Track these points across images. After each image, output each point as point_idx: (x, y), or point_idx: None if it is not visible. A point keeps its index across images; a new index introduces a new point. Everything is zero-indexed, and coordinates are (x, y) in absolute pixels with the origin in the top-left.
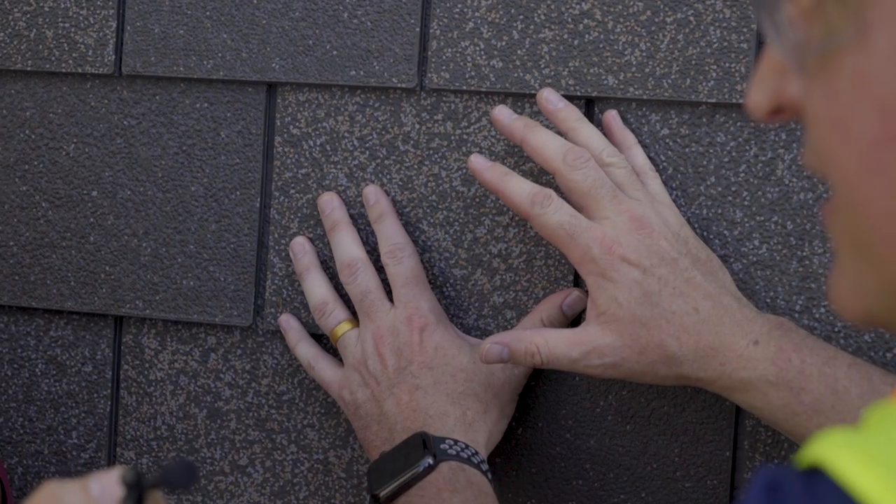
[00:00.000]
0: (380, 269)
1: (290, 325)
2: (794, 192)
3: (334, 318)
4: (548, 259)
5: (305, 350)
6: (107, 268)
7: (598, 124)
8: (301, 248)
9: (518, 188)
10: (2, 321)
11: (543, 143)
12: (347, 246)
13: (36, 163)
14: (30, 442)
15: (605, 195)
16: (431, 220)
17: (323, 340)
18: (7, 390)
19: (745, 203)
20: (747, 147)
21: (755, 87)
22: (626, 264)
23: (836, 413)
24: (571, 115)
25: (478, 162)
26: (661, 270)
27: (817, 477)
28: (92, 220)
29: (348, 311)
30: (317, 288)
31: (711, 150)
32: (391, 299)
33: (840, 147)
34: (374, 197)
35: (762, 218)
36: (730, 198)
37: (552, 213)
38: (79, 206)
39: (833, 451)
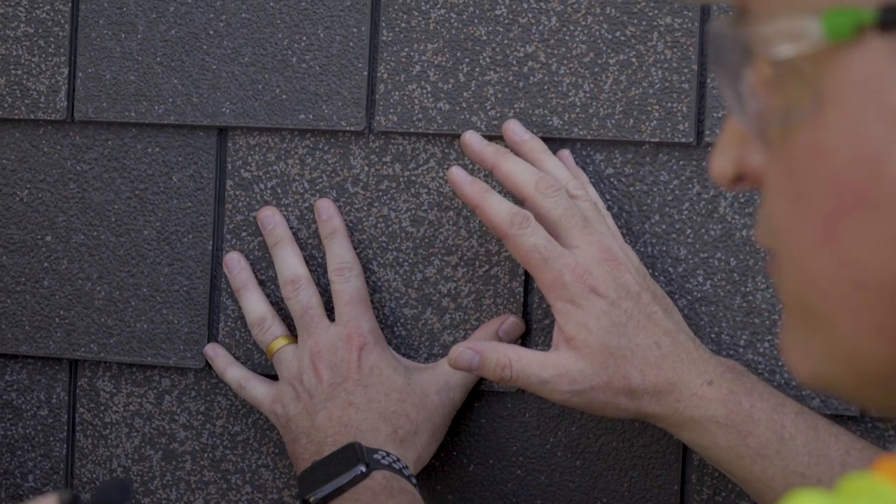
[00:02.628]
0: (322, 288)
1: (216, 352)
2: (736, 229)
3: (272, 333)
4: (496, 298)
5: (235, 372)
6: (61, 312)
7: None
8: (237, 264)
9: (497, 207)
10: None
11: (515, 169)
12: (290, 262)
13: None
14: None
15: (576, 224)
16: (381, 261)
17: (250, 362)
18: None
19: (689, 240)
20: (690, 185)
21: (718, 154)
22: (594, 295)
23: (780, 458)
24: (537, 147)
25: (458, 175)
26: (626, 303)
27: None
28: (46, 264)
29: (286, 327)
30: (255, 304)
31: (655, 189)
32: (332, 319)
33: (794, 219)
34: (326, 213)
35: (706, 255)
36: (674, 235)
37: (529, 236)
38: (33, 251)
39: None
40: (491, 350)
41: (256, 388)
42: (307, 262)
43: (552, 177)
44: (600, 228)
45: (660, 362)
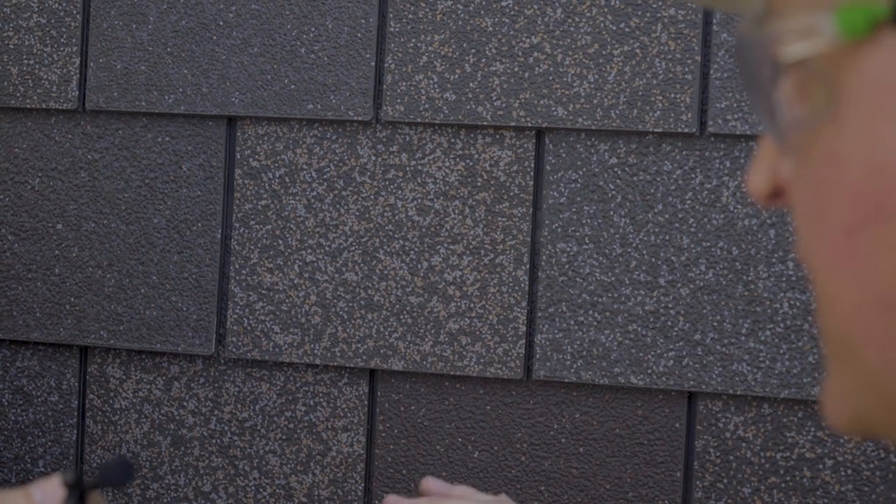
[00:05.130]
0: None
1: None
2: (738, 219)
3: None
4: (501, 286)
5: None
6: (72, 299)
7: (549, 154)
8: None
9: None
10: None
11: None
12: None
13: (1, 196)
14: None
15: None
16: (388, 249)
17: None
18: None
19: (692, 230)
20: (693, 175)
21: (754, 170)
22: None
23: None
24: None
25: None
26: None
27: None
28: (57, 252)
29: None
30: None
31: (658, 179)
32: None
33: (815, 235)
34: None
35: (708, 244)
36: (677, 224)
37: None
38: (44, 239)
39: None
40: None
41: None
42: (315, 251)
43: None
44: None
45: None
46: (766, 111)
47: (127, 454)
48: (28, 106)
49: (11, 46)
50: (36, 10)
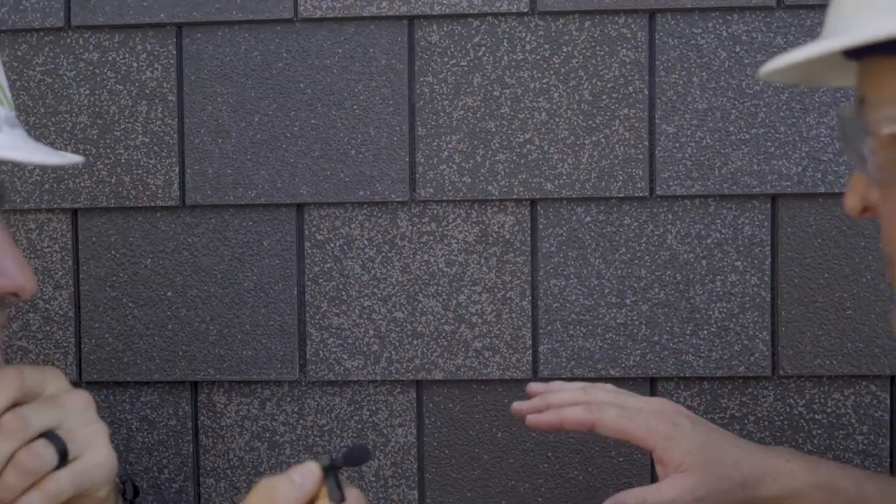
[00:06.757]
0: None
1: None
2: (679, 254)
3: None
4: (511, 314)
5: None
6: (183, 347)
7: (541, 217)
8: None
9: (570, 408)
10: (103, 393)
11: (563, 396)
12: None
13: (121, 274)
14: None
15: (630, 396)
16: (425, 293)
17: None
18: (111, 443)
19: (647, 264)
20: (646, 226)
21: (849, 193)
22: (677, 424)
23: (864, 502)
24: (554, 385)
25: (532, 419)
26: (700, 426)
27: None
28: (168, 313)
29: None
30: None
31: (621, 230)
32: None
33: None
34: None
35: (659, 273)
36: (636, 261)
37: (608, 411)
38: (157, 304)
39: None
40: (628, 496)
41: None
42: (370, 298)
43: (589, 384)
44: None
45: (746, 457)
46: (858, 158)
47: (366, 443)
48: (139, 205)
49: (123, 161)
50: (141, 132)
